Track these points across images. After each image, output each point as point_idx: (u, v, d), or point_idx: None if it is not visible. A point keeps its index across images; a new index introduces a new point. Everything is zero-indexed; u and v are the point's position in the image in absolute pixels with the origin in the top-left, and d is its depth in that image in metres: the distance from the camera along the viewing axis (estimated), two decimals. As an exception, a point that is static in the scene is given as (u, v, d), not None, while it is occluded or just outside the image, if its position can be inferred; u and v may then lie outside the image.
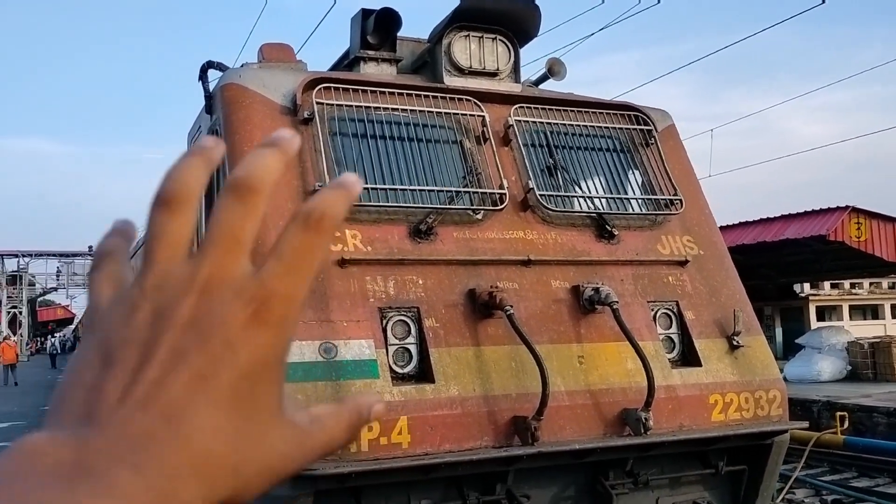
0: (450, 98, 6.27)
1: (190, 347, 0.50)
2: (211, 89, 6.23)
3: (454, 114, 6.26)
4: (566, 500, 5.66)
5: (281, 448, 0.52)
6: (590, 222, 6.34)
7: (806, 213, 19.02)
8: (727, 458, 6.03)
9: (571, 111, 6.72)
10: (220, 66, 6.38)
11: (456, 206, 5.92)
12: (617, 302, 5.72)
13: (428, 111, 6.16)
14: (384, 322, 5.31)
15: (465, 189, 6.01)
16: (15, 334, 62.61)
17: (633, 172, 6.81)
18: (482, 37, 6.52)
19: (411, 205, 5.76)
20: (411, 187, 5.83)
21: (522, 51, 6.71)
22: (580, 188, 6.51)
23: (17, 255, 72.42)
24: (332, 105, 5.88)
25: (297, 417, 0.54)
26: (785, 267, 23.96)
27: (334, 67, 7.14)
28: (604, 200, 6.51)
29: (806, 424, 7.03)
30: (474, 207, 6.00)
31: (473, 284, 5.62)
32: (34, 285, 74.36)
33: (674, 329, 6.20)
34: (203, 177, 0.54)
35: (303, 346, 4.98)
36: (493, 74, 6.55)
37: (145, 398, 0.48)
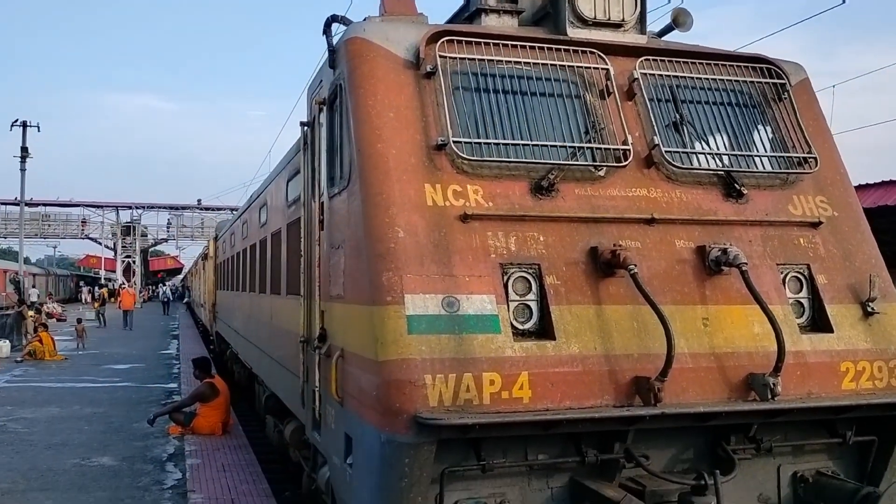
0: (573, 51, 6.11)
1: None
2: (334, 43, 6.27)
3: (577, 67, 6.11)
4: (684, 463, 5.57)
5: None
6: (717, 180, 6.11)
7: (935, 175, 17.84)
8: (856, 428, 5.81)
9: (699, 64, 6.44)
10: (343, 20, 6.41)
11: (578, 163, 5.80)
12: (746, 263, 5.53)
13: (550, 64, 6.03)
14: (505, 278, 5.30)
15: (588, 145, 5.88)
16: (129, 282, 66.47)
17: (765, 128, 6.49)
18: None
19: (532, 160, 5.68)
20: (532, 143, 5.75)
21: (645, 0, 6.44)
22: (707, 145, 6.26)
23: (130, 207, 76.56)
24: (455, 59, 5.82)
25: None
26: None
27: (452, 20, 7.06)
28: (732, 158, 6.25)
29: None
30: (597, 164, 5.87)
31: (595, 242, 5.53)
32: (146, 236, 78.59)
33: (804, 293, 5.95)
34: None
35: (426, 298, 5.03)
36: (617, 25, 6.31)
37: None
